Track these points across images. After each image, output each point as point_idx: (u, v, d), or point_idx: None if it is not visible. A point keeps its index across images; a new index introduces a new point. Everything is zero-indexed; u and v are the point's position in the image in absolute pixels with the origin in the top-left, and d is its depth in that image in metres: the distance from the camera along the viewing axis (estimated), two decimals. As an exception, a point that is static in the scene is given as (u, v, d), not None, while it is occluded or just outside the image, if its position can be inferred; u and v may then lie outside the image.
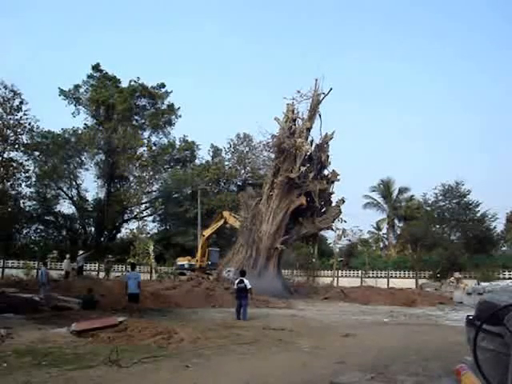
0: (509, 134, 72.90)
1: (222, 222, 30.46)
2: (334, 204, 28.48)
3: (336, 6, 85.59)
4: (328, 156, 28.04)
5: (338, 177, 28.08)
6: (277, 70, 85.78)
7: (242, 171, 45.76)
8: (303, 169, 26.24)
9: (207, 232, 31.61)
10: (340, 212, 28.19)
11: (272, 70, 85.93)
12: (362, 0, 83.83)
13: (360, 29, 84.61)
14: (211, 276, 29.12)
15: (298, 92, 27.49)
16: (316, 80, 27.42)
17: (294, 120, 27.98)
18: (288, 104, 28.26)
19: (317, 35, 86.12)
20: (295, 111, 28.09)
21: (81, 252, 29.03)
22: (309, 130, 27.58)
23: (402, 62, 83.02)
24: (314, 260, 37.17)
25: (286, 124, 27.61)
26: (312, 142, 27.93)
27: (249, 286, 14.12)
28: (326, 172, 28.52)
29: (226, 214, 30.67)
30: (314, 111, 27.80)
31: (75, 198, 43.11)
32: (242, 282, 14.14)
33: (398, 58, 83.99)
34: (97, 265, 35.29)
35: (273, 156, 28.70)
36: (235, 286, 14.44)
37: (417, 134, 79.18)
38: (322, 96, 27.65)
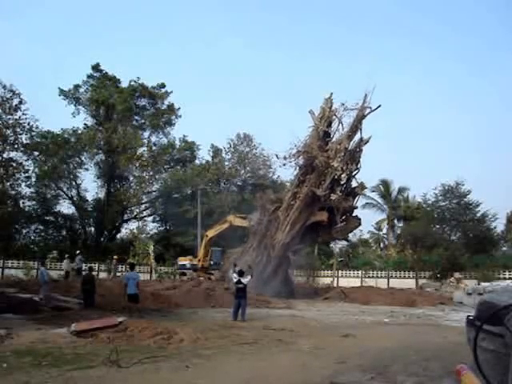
0: (509, 133, 72.92)
1: (226, 225, 29.87)
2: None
3: (311, 5, 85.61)
4: (359, 161, 25.28)
5: (365, 190, 26.34)
6: (277, 71, 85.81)
7: (242, 171, 45.79)
8: (335, 196, 23.87)
9: (211, 233, 31.20)
10: (359, 224, 26.64)
11: (272, 71, 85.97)
12: (350, 1, 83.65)
13: (355, 31, 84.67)
14: (213, 276, 29.07)
15: (342, 105, 24.88)
16: (365, 95, 24.29)
17: (330, 123, 25.31)
18: (327, 99, 25.26)
19: (312, 37, 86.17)
20: (333, 107, 25.14)
21: (77, 252, 28.99)
22: (346, 149, 24.34)
23: (396, 62, 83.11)
24: (320, 261, 37.15)
25: (321, 122, 25.00)
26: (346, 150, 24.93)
27: (246, 281, 14.13)
28: (353, 183, 25.99)
29: (230, 218, 29.99)
30: (355, 128, 24.84)
31: (75, 198, 43.04)
32: (240, 282, 14.04)
33: (393, 58, 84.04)
34: (97, 265, 35.24)
35: (298, 161, 25.79)
36: (234, 286, 14.40)
37: (416, 134, 79.13)
38: (368, 111, 24.71)
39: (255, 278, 22.12)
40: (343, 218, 25.85)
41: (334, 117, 25.41)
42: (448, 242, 35.24)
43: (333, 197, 24.04)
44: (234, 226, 29.56)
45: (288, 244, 24.85)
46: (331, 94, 25.59)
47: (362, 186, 26.20)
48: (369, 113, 24.76)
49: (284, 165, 25.73)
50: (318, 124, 25.26)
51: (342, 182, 24.75)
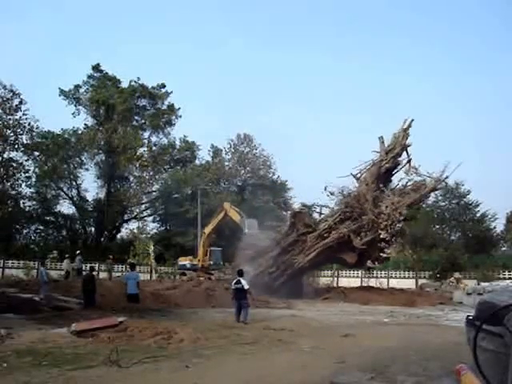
0: (509, 133, 72.90)
1: (222, 214, 29.61)
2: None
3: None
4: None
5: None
6: (277, 71, 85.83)
7: (242, 171, 45.85)
8: (370, 265, 23.03)
9: (208, 228, 31.11)
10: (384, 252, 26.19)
11: (272, 71, 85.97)
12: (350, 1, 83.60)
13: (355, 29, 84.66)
14: (213, 276, 29.01)
15: (416, 169, 22.80)
16: (443, 171, 22.20)
17: (397, 164, 22.98)
18: (404, 128, 22.31)
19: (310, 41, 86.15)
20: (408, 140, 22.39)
21: (77, 252, 28.99)
22: (400, 218, 22.13)
23: (396, 61, 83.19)
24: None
25: (387, 156, 22.66)
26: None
27: (246, 287, 13.56)
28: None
29: (226, 205, 29.88)
30: (420, 200, 22.88)
31: (75, 198, 43.14)
32: (239, 282, 13.56)
33: (392, 58, 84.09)
34: (97, 265, 35.21)
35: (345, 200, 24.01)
36: (232, 287, 13.99)
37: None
38: (441, 185, 23.17)
39: (264, 285, 22.06)
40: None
41: (405, 145, 22.85)
42: (448, 242, 35.30)
43: (368, 264, 22.89)
44: (229, 218, 29.30)
45: (306, 268, 24.64)
46: (411, 121, 22.26)
47: (402, 232, 24.54)
48: (440, 188, 22.79)
49: (328, 196, 24.42)
50: (382, 156, 22.86)
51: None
